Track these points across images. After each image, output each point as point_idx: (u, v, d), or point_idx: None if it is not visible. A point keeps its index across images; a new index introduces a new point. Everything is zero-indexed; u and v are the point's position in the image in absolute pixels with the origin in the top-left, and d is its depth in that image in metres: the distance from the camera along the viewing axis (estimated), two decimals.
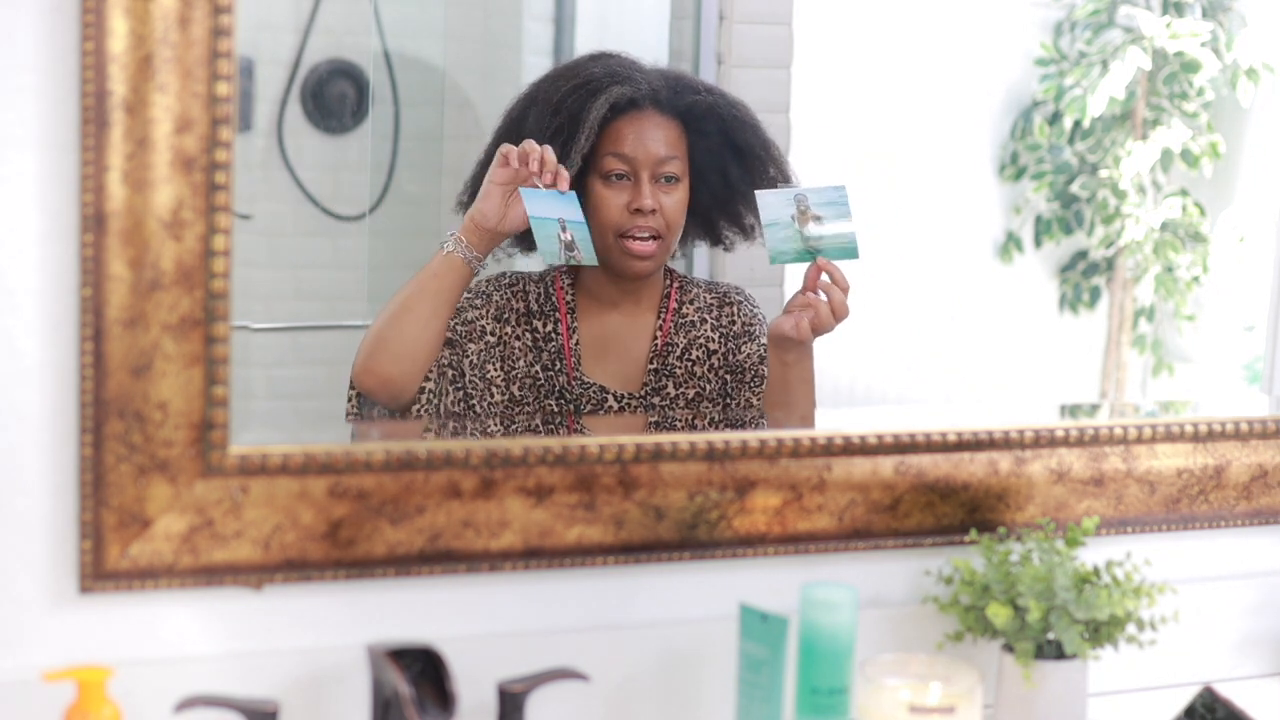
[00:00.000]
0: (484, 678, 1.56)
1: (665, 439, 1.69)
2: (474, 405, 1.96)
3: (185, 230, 1.49)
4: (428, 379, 1.95)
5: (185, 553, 1.53)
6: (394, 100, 2.36)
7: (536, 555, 1.65)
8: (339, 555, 1.58)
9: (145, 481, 1.50)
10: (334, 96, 2.30)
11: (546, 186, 1.89)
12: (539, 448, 1.65)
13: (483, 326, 1.98)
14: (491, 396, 1.96)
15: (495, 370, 1.97)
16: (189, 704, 1.46)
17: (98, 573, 1.50)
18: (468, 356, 1.96)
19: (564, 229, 1.89)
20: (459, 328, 1.97)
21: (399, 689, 1.43)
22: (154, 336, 1.49)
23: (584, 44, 2.49)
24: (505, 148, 1.91)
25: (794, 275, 2.24)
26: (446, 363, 1.95)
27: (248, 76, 2.20)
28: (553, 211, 1.88)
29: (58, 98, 1.46)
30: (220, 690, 1.51)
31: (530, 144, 1.90)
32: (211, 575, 1.54)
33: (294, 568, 1.57)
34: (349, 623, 1.61)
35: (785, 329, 1.90)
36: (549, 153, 1.90)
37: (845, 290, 1.89)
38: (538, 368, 1.98)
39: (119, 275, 1.47)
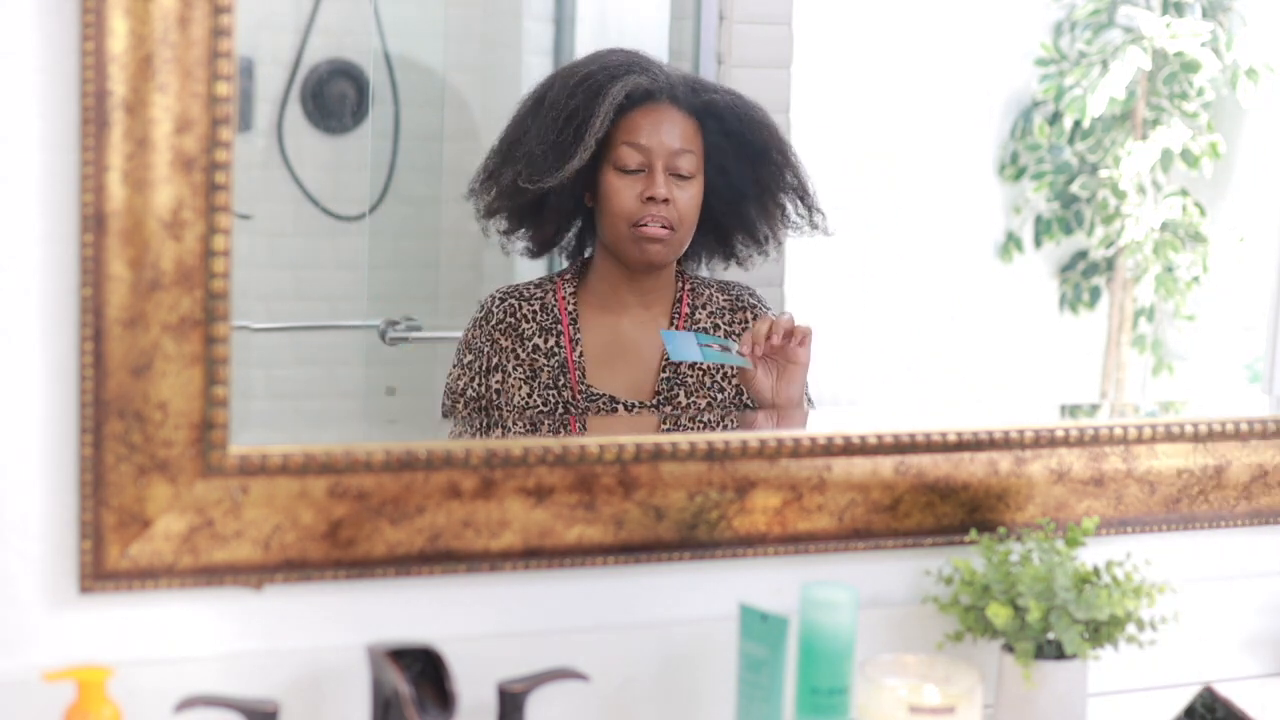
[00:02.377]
0: (484, 678, 1.56)
1: (665, 439, 1.69)
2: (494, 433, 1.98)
3: (185, 230, 1.49)
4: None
5: (185, 553, 1.53)
6: (394, 100, 2.36)
7: (536, 555, 1.65)
8: (339, 555, 1.58)
9: (145, 481, 1.50)
10: (334, 96, 2.30)
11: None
12: (539, 448, 1.64)
13: (504, 368, 1.97)
14: (508, 425, 1.96)
15: (518, 394, 1.96)
16: (189, 704, 1.46)
17: (98, 573, 1.50)
18: (499, 409, 1.98)
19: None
20: (494, 386, 1.97)
21: (399, 689, 1.43)
22: (154, 336, 1.49)
23: (584, 44, 2.49)
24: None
25: (795, 273, 2.24)
26: (479, 426, 1.97)
27: (248, 76, 2.20)
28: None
29: (58, 98, 1.46)
30: (220, 690, 1.51)
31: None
32: (211, 575, 1.54)
33: (294, 568, 1.57)
34: (349, 623, 1.61)
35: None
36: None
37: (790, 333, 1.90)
38: (541, 384, 1.96)
39: (119, 275, 1.47)
